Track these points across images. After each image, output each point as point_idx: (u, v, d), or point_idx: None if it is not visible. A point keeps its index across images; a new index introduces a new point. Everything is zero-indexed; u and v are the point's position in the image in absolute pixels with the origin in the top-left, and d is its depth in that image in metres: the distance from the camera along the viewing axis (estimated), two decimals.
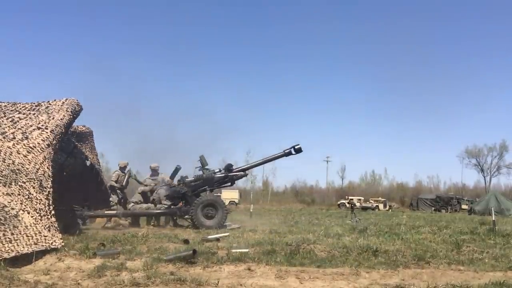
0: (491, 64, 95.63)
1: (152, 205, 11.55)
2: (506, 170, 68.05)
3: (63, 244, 5.95)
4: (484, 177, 69.83)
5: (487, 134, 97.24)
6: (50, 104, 8.11)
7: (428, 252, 6.28)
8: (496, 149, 68.63)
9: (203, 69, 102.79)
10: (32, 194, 6.34)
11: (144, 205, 11.65)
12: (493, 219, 10.89)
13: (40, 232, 5.79)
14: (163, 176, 12.18)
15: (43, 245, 5.57)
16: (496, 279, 4.53)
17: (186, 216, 10.72)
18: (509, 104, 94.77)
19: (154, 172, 12.37)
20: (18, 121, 7.57)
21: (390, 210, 43.55)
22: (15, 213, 5.78)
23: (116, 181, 12.02)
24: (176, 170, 11.66)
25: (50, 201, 6.55)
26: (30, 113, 7.81)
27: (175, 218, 11.57)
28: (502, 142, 68.44)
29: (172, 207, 11.19)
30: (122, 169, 12.34)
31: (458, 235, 8.73)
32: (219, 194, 30.87)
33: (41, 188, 6.58)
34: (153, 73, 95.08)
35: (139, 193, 12.07)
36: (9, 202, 5.90)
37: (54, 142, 7.46)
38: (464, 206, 45.86)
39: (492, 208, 13.40)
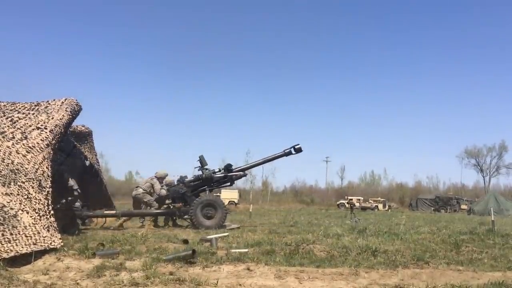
0: (490, 64, 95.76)
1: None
2: (505, 171, 68.21)
3: (62, 244, 5.95)
4: (484, 177, 69.97)
5: (486, 134, 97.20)
6: (49, 104, 8.10)
7: (427, 252, 6.29)
8: (496, 149, 68.79)
9: (203, 69, 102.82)
10: (31, 194, 6.34)
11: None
12: (492, 219, 10.89)
13: (39, 232, 5.78)
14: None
15: (42, 245, 5.57)
16: (495, 279, 4.53)
17: (185, 216, 10.71)
18: (509, 105, 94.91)
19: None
20: (17, 120, 7.57)
21: (389, 210, 43.58)
22: (14, 213, 5.77)
23: None
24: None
25: (49, 201, 6.55)
26: (29, 113, 7.81)
27: (174, 218, 11.56)
28: (501, 143, 68.62)
29: (171, 207, 11.19)
30: None
31: (457, 235, 8.72)
32: (218, 194, 30.88)
33: (40, 188, 6.57)
34: (152, 73, 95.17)
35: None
36: (8, 202, 5.89)
37: (54, 142, 7.46)
38: (463, 206, 45.98)
39: (491, 208, 13.40)
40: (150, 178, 11.81)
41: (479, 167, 69.68)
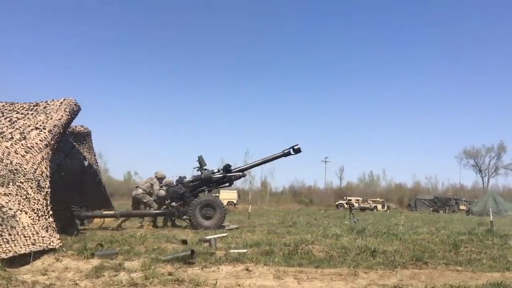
0: (489, 65, 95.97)
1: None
2: (504, 171, 68.31)
3: (61, 244, 5.94)
4: (482, 178, 70.07)
5: (485, 134, 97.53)
6: (48, 104, 8.09)
7: (426, 253, 6.29)
8: (494, 150, 68.89)
9: (202, 70, 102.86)
10: (30, 194, 6.33)
11: None
12: (491, 219, 10.91)
13: (37, 233, 5.77)
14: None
15: (40, 246, 5.56)
16: (494, 280, 4.54)
17: (184, 217, 10.71)
18: (508, 105, 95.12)
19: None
20: (16, 121, 7.56)
21: (388, 211, 43.59)
22: (13, 213, 5.76)
23: None
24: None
25: (48, 201, 6.54)
26: (28, 113, 7.79)
27: (173, 218, 11.55)
28: (500, 143, 68.75)
29: (170, 207, 11.18)
30: None
31: (456, 236, 8.74)
32: (217, 194, 30.85)
33: (38, 188, 6.56)
34: (151, 74, 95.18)
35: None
36: (7, 203, 5.89)
37: (52, 142, 7.45)
38: (462, 207, 46.07)
39: (490, 209, 13.43)
40: (150, 178, 11.81)
41: (477, 168, 69.84)
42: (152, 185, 11.58)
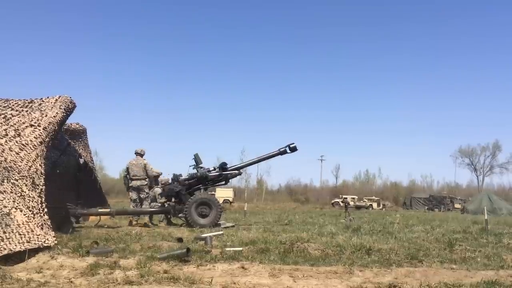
0: (485, 64, 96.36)
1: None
2: (499, 170, 68.83)
3: (56, 242, 5.91)
4: (477, 176, 70.59)
5: (480, 133, 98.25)
6: (43, 101, 8.03)
7: (421, 251, 6.31)
8: (489, 149, 69.46)
9: (198, 68, 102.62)
10: (25, 192, 6.29)
11: None
12: (486, 218, 10.97)
13: (32, 230, 5.74)
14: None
15: (35, 243, 5.53)
16: (488, 278, 4.55)
17: (180, 215, 10.70)
18: (503, 104, 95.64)
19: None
20: (10, 118, 7.50)
21: (383, 209, 43.79)
22: (8, 211, 5.73)
23: None
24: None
25: (43, 199, 6.50)
26: (23, 110, 7.74)
27: (169, 216, 11.54)
28: (495, 142, 69.34)
29: (166, 205, 11.16)
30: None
31: (451, 234, 8.78)
32: (213, 192, 30.86)
33: (33, 185, 6.53)
34: (146, 71, 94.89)
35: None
36: (2, 200, 5.85)
37: (47, 139, 7.40)
38: (457, 205, 46.33)
39: (485, 208, 13.47)
40: (134, 160, 11.33)
41: (473, 166, 70.35)
42: (145, 165, 11.20)
